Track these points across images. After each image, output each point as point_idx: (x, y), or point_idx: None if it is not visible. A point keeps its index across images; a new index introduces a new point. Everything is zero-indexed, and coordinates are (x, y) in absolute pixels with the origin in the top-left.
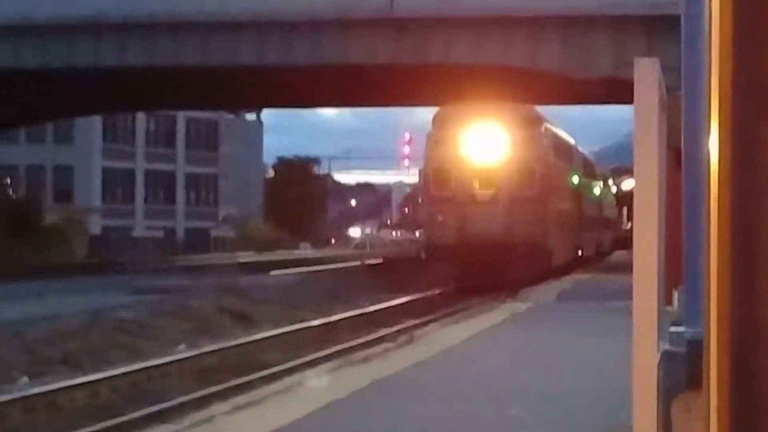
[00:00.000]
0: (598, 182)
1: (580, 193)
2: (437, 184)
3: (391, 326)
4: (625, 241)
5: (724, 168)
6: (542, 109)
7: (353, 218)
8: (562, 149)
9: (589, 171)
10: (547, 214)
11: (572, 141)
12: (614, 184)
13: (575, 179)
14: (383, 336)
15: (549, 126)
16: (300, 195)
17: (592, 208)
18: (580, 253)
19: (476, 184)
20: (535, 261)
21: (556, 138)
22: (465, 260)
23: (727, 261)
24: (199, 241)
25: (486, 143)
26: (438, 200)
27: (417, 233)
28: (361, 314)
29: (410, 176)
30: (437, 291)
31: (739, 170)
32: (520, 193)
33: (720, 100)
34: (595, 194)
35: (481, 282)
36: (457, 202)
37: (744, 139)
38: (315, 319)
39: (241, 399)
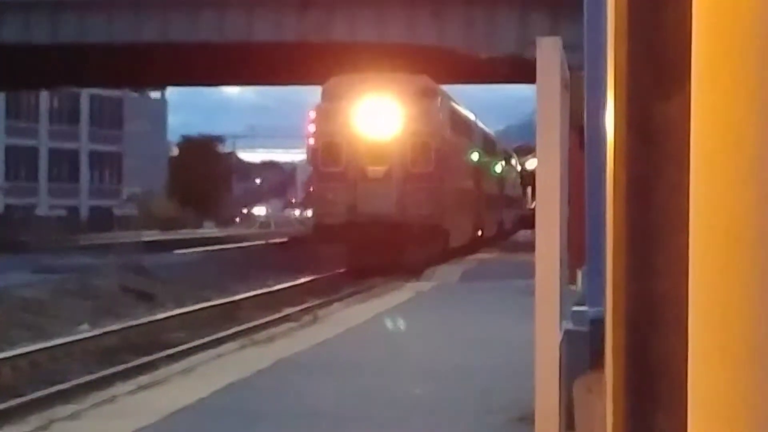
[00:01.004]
0: (501, 160)
1: (480, 171)
2: (326, 160)
3: (296, 305)
4: (530, 221)
5: (620, 146)
6: (446, 88)
7: (258, 197)
8: (461, 124)
9: (491, 148)
10: (444, 193)
11: (472, 116)
12: (518, 162)
13: (475, 156)
14: (287, 315)
15: (446, 99)
16: (204, 173)
17: (493, 186)
18: (480, 233)
19: (368, 160)
20: (430, 242)
21: (454, 112)
22: (356, 241)
23: (624, 239)
24: (102, 219)
25: (378, 116)
26: (327, 177)
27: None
28: (266, 293)
29: None
30: (342, 270)
31: (634, 148)
32: (414, 169)
33: (616, 78)
34: (496, 172)
35: (374, 264)
36: (347, 178)
37: (640, 117)
38: (219, 298)
39: (144, 378)
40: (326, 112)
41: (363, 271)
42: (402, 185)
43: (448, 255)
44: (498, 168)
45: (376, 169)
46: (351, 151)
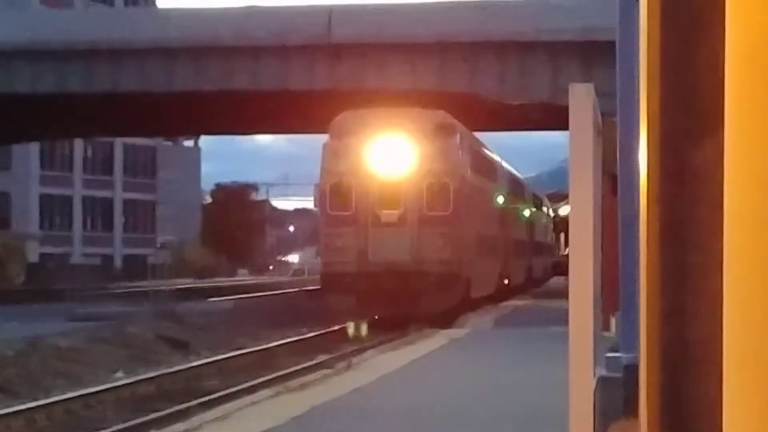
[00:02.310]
0: (530, 204)
1: (506, 215)
2: (335, 203)
3: (330, 352)
4: (563, 267)
5: (653, 191)
6: (477, 135)
7: (292, 244)
8: (483, 164)
9: (518, 191)
10: (463, 238)
11: (497, 157)
12: (551, 209)
13: (500, 199)
14: (322, 362)
15: (466, 136)
16: (238, 221)
17: (521, 231)
18: (506, 281)
19: (380, 203)
20: (449, 292)
21: (475, 150)
22: (367, 292)
23: (657, 284)
24: (136, 267)
25: (391, 154)
26: (336, 221)
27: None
28: (300, 340)
29: None
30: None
31: (668, 193)
32: (430, 212)
33: (649, 124)
34: (524, 217)
35: (387, 317)
36: (358, 223)
37: (673, 162)
38: (253, 345)
39: (178, 426)
40: (335, 151)
41: (375, 324)
42: (417, 230)
43: (473, 305)
44: (526, 213)
45: (388, 213)
46: (361, 193)
